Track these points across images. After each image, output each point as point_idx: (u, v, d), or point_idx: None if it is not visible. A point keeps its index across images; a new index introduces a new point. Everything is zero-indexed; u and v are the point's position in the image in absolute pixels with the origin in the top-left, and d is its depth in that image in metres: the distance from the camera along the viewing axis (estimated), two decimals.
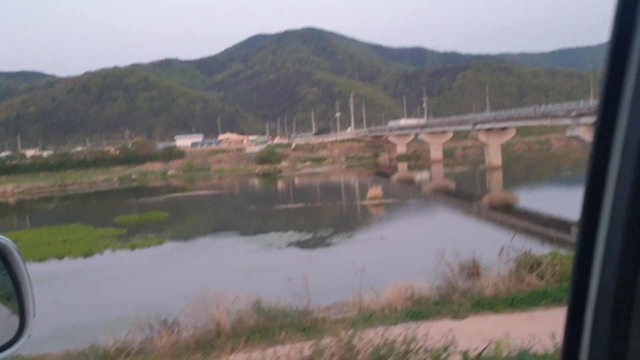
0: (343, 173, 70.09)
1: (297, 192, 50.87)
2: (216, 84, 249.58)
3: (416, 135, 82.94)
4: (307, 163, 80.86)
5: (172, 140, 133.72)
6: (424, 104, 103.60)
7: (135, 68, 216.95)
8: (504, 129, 57.13)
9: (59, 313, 16.19)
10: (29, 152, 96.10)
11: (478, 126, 58.42)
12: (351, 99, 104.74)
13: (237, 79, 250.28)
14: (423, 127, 75.32)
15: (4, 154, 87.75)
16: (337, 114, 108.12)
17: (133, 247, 26.55)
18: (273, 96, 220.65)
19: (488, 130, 57.45)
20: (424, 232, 25.85)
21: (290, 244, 24.10)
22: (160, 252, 25.07)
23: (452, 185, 50.93)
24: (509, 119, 54.25)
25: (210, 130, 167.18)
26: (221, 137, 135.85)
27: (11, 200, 64.28)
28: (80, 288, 19.59)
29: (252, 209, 38.56)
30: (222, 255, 23.17)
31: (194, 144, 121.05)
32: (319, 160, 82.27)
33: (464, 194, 44.21)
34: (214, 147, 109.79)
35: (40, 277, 21.64)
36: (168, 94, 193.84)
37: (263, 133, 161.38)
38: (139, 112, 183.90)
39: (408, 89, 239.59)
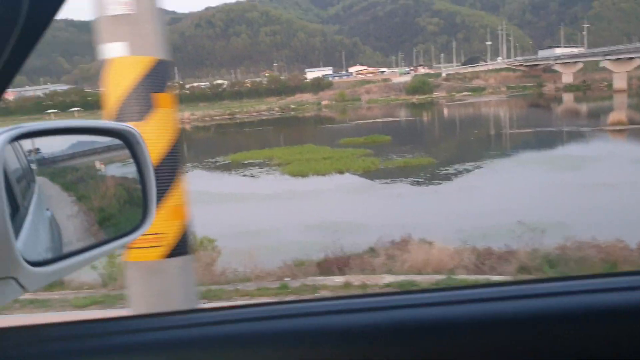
0: (510, 103, 66.50)
1: (495, 120, 48.71)
2: (331, 17, 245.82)
3: (583, 64, 76.76)
4: (465, 93, 77.61)
5: (302, 73, 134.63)
6: (584, 32, 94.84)
7: (255, 2, 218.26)
8: None
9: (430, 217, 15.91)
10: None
11: None
12: (503, 26, 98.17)
13: (352, 11, 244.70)
14: (606, 53, 68.86)
15: None
16: (488, 43, 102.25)
17: (404, 166, 26.26)
18: (391, 28, 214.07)
19: None
20: None
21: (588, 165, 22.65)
22: (443, 170, 24.61)
23: None
24: None
25: (329, 64, 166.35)
26: (351, 69, 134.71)
27: (187, 127, 67.72)
28: (417, 198, 19.45)
29: (475, 132, 37.31)
30: (534, 172, 22.14)
31: (325, 77, 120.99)
32: (477, 90, 78.62)
33: None
34: (346, 79, 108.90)
35: (360, 188, 21.96)
36: (288, 28, 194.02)
37: (384, 65, 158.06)
38: (262, 46, 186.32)
39: (536, 18, 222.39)
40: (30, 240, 0.81)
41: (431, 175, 23.64)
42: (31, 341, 0.89)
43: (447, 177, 22.79)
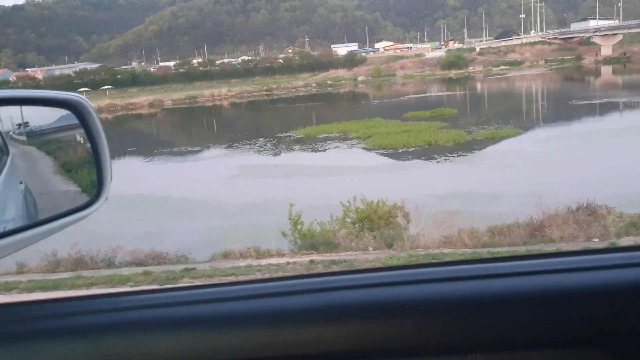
0: (553, 76, 65.61)
1: (548, 91, 48.13)
2: None
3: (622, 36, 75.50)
4: (502, 67, 76.70)
5: (329, 49, 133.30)
6: (620, 3, 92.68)
7: None
8: None
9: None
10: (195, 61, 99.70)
11: None
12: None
13: None
14: None
15: (195, 61, 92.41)
16: (522, 16, 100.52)
17: (492, 137, 26.13)
18: (411, 3, 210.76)
19: None
20: None
21: None
22: (537, 141, 24.49)
23: None
24: None
25: (351, 40, 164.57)
26: (377, 45, 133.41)
27: (225, 103, 67.77)
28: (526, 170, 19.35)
29: (542, 103, 36.97)
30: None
31: (351, 52, 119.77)
32: (514, 64, 77.64)
33: None
34: (373, 54, 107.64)
35: (463, 160, 21.91)
36: (309, 4, 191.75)
37: (405, 40, 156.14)
38: (282, 22, 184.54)
39: None
40: None
41: (529, 146, 23.54)
42: (9, 320, 0.85)
43: (547, 148, 22.63)
